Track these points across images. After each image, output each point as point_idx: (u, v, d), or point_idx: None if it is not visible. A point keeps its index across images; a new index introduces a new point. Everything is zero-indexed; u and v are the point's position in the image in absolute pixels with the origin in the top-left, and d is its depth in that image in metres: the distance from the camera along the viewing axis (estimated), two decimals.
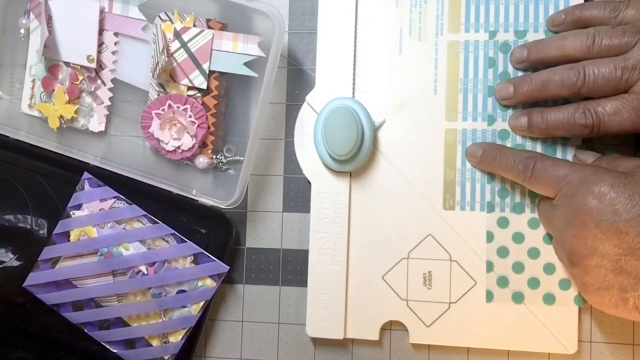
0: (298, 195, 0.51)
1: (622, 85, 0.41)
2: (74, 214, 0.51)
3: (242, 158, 0.50)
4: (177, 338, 0.50)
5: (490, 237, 0.48)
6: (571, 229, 0.41)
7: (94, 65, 0.51)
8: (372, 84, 0.49)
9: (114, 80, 0.52)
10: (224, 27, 0.49)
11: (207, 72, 0.49)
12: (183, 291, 0.49)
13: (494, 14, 0.48)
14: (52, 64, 0.52)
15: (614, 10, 0.43)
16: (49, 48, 0.51)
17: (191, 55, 0.49)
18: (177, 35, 0.49)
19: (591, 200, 0.39)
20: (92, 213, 0.50)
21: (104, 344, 0.50)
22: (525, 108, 0.47)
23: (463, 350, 0.49)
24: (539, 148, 0.47)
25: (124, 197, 0.50)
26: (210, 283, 0.50)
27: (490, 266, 0.48)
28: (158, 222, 0.50)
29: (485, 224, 0.48)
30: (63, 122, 0.52)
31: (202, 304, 0.49)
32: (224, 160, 0.51)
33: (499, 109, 0.48)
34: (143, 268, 0.49)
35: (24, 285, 0.51)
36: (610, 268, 0.39)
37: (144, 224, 0.50)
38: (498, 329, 0.48)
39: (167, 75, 0.49)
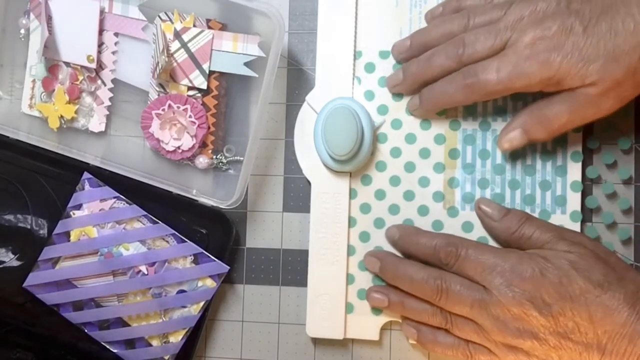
0: (298, 195, 0.51)
1: (498, 45, 0.42)
2: (74, 214, 0.51)
3: (242, 158, 0.50)
4: (177, 338, 0.50)
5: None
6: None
7: (94, 65, 0.51)
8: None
9: (114, 81, 0.52)
10: (224, 27, 0.49)
11: (207, 72, 0.49)
12: (183, 291, 0.49)
13: None
14: (52, 64, 0.52)
15: None
16: (49, 48, 0.51)
17: (191, 56, 0.49)
18: (177, 35, 0.49)
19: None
20: (92, 213, 0.50)
21: (104, 344, 0.50)
22: (514, 115, 0.47)
23: None
24: (538, 151, 0.47)
25: (124, 197, 0.50)
26: (210, 283, 0.50)
27: None
28: (158, 222, 0.50)
29: None
30: (63, 122, 0.52)
31: (202, 304, 0.49)
32: (224, 160, 0.51)
33: (498, 109, 0.48)
34: (143, 268, 0.49)
35: (24, 285, 0.51)
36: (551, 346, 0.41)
37: (144, 224, 0.50)
38: None
39: (167, 76, 0.49)
